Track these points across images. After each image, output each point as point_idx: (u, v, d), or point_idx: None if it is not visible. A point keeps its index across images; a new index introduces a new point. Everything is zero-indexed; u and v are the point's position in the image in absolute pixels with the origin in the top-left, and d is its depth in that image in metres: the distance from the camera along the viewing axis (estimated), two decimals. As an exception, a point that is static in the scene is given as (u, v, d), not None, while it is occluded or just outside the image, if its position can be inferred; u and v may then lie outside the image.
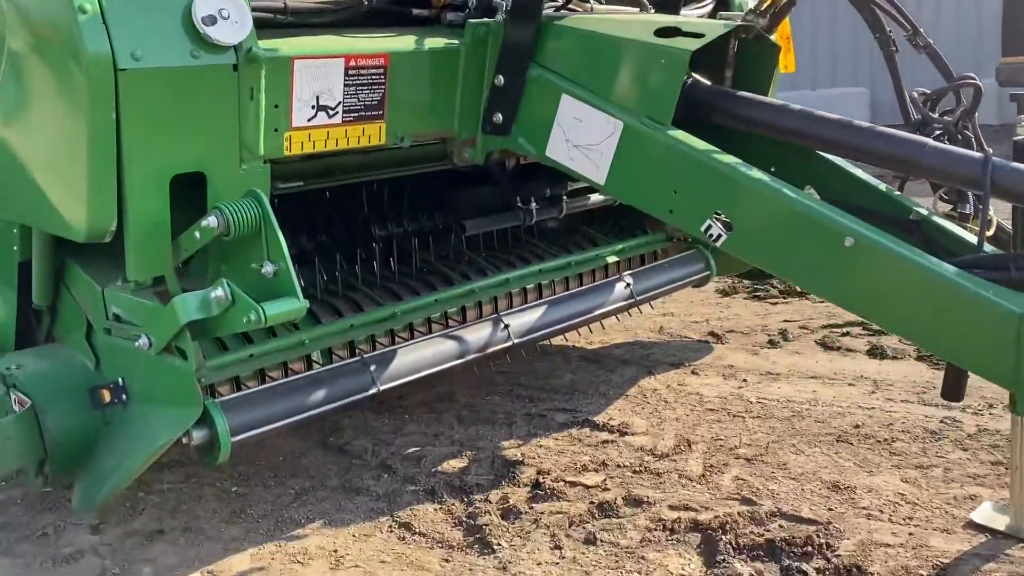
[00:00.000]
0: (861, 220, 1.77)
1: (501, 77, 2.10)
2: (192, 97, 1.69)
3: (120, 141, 1.63)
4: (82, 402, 1.95)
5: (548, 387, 3.05)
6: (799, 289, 4.13)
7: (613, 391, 3.00)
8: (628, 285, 2.95)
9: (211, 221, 1.67)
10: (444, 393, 3.00)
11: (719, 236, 1.85)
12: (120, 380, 1.94)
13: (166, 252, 1.78)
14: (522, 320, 2.63)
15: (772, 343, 3.47)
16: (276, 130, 1.83)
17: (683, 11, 2.54)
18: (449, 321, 2.52)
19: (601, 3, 2.34)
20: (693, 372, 3.17)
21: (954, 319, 1.65)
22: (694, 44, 1.85)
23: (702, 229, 1.87)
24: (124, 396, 1.93)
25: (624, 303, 2.94)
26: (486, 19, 2.09)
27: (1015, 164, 1.68)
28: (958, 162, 1.73)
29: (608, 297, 2.89)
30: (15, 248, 2.11)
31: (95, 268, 2.02)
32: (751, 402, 2.88)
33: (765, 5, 1.99)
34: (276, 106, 1.81)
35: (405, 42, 1.99)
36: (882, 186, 2.00)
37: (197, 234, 1.73)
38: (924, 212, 1.92)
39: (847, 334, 3.52)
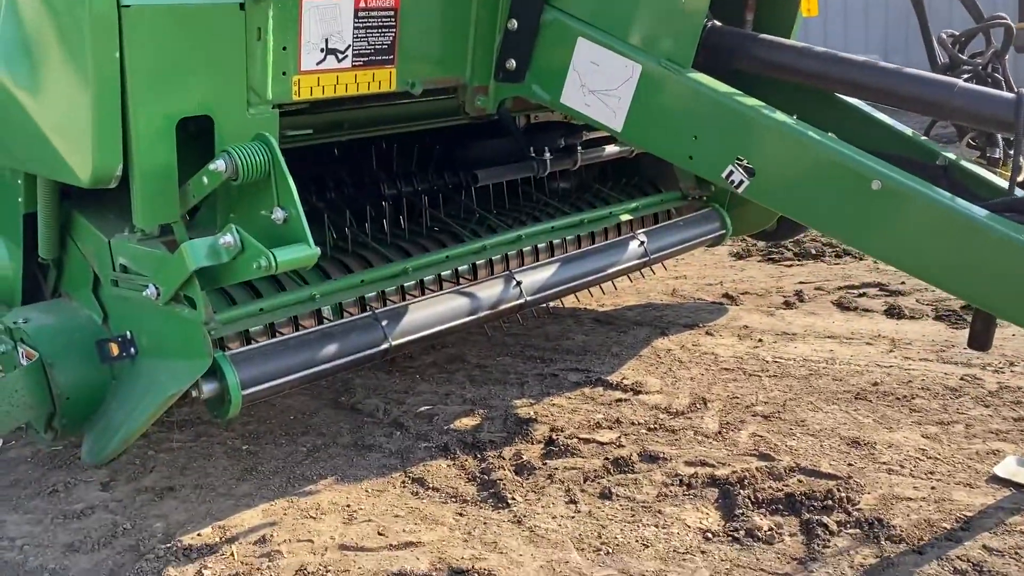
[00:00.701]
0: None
1: (515, 21, 2.04)
2: (198, 36, 1.64)
3: (124, 82, 1.58)
4: (90, 355, 1.92)
5: (560, 348, 3.01)
6: (813, 252, 4.09)
7: (626, 352, 2.96)
8: (642, 243, 2.90)
9: (219, 165, 1.62)
10: (455, 354, 2.96)
11: (741, 182, 1.79)
12: (128, 333, 1.90)
13: (173, 199, 1.73)
14: (535, 278, 2.58)
15: (788, 304, 3.42)
16: (284, 73, 1.77)
17: None
18: (460, 279, 2.48)
19: None
20: (707, 333, 3.13)
21: (985, 263, 1.60)
22: (717, -18, 1.80)
23: (723, 175, 1.82)
24: (132, 349, 1.90)
25: (638, 261, 2.89)
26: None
27: (1049, 103, 1.62)
28: (989, 103, 1.68)
29: (622, 255, 2.84)
30: (20, 199, 2.06)
31: (101, 219, 1.98)
32: (767, 361, 2.83)
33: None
34: (284, 48, 1.75)
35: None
36: (908, 131, 1.94)
37: (205, 179, 1.68)
38: (952, 157, 1.87)
39: (864, 295, 3.48)
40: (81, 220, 2.04)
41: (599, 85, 1.96)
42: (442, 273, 2.43)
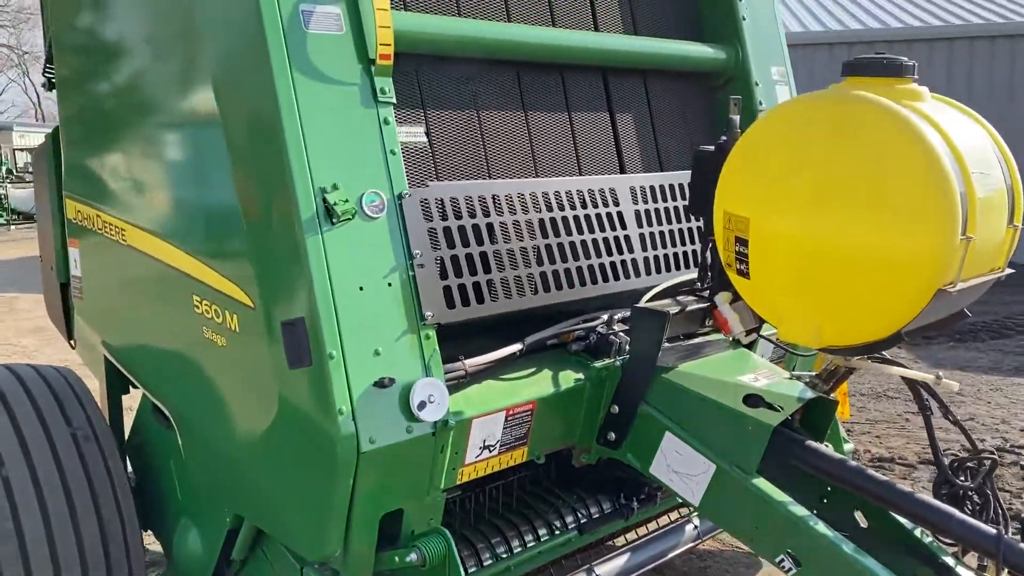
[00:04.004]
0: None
1: (616, 407, 2.67)
2: (404, 459, 2.27)
3: (353, 495, 2.20)
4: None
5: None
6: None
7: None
8: (696, 527, 3.47)
9: (412, 557, 2.24)
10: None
11: (790, 569, 2.38)
12: None
13: (368, 567, 2.34)
14: (610, 567, 3.15)
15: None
16: (454, 468, 2.40)
17: None
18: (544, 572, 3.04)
19: None
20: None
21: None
22: (776, 419, 2.41)
23: (776, 560, 2.40)
24: None
25: (692, 543, 3.46)
26: (607, 362, 2.67)
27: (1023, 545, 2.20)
28: (977, 535, 2.26)
29: (681, 538, 3.42)
30: (227, 520, 2.68)
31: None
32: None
33: (826, 374, 2.56)
34: (456, 452, 2.38)
35: (546, 386, 2.56)
36: (917, 531, 2.52)
37: (396, 558, 2.29)
38: (951, 563, 2.44)
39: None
40: (277, 544, 2.64)
41: (681, 468, 2.57)
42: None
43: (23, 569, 2.68)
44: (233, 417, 2.45)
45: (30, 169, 33.52)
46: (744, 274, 2.31)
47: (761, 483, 2.44)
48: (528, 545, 2.85)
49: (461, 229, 2.47)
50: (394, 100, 2.35)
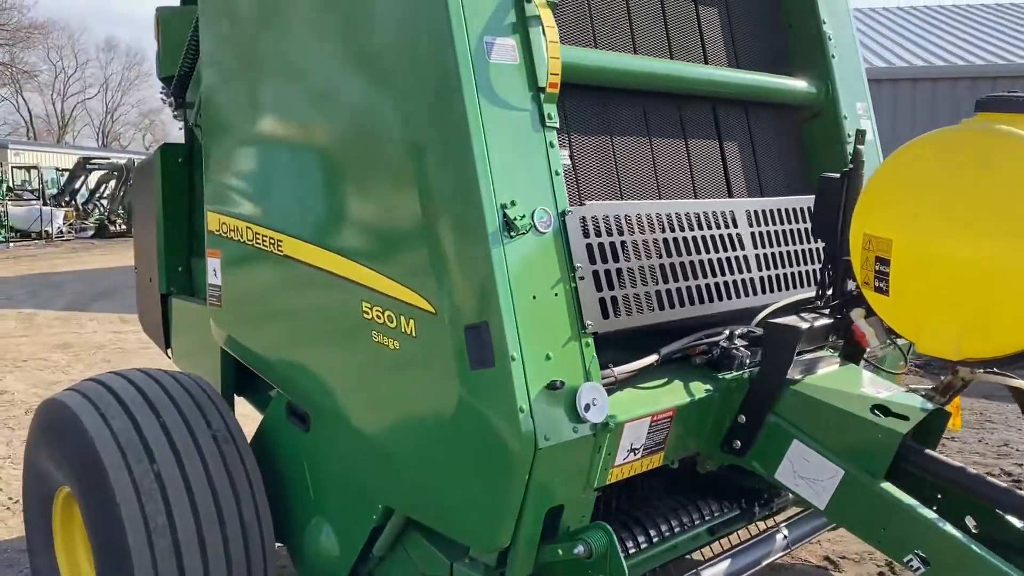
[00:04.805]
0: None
1: (743, 416, 2.84)
2: (569, 458, 2.43)
3: (527, 490, 2.36)
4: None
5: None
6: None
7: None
8: (785, 537, 3.63)
9: (580, 550, 2.39)
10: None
11: (918, 568, 2.54)
12: None
13: (531, 560, 2.49)
14: (715, 571, 3.30)
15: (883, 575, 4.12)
16: (606, 469, 2.55)
17: None
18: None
19: None
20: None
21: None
22: (905, 427, 2.59)
23: (904, 560, 2.57)
24: None
25: (782, 553, 3.61)
26: (736, 374, 2.85)
27: None
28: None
29: (773, 547, 3.57)
30: (374, 517, 2.82)
31: (443, 544, 2.72)
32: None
33: (943, 386, 2.74)
34: (609, 454, 2.54)
35: (682, 395, 2.73)
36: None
37: (560, 551, 2.44)
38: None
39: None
40: (420, 540, 2.78)
41: (808, 474, 2.74)
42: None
43: (176, 567, 2.80)
44: (402, 415, 2.60)
45: (28, 187, 33.45)
46: (883, 291, 2.50)
47: (889, 487, 2.62)
48: (665, 535, 2.99)
49: (612, 245, 2.65)
50: (557, 125, 2.54)
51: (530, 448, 2.30)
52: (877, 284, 2.52)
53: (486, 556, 2.61)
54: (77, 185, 33.46)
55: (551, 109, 2.52)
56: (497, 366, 2.31)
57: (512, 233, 2.36)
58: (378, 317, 2.57)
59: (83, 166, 33.14)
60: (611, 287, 2.62)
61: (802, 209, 3.34)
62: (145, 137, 72.54)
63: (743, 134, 3.50)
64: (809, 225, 3.30)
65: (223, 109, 3.21)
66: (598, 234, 2.64)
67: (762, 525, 3.66)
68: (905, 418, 2.63)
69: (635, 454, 2.64)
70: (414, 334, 2.47)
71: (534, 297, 2.39)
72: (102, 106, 69.09)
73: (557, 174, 2.51)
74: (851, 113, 3.70)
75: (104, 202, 33.37)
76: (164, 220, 4.00)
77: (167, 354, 4.27)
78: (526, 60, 2.50)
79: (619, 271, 2.66)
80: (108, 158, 36.58)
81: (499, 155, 2.38)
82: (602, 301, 2.57)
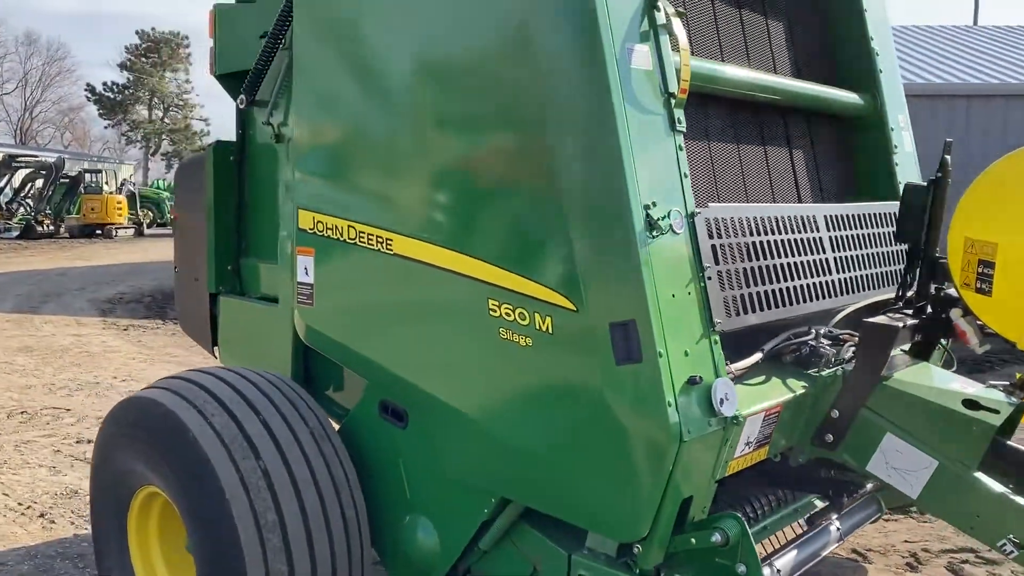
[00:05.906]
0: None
1: (836, 411, 2.98)
2: (703, 450, 2.51)
3: (668, 480, 2.43)
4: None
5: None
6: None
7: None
8: (838, 529, 3.79)
9: (716, 538, 2.48)
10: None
11: (1012, 552, 2.72)
12: None
13: (663, 549, 2.57)
14: (785, 560, 3.43)
15: (910, 566, 4.33)
16: (727, 461, 2.65)
17: None
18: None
19: None
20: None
21: None
22: (997, 420, 2.77)
23: (998, 544, 2.74)
24: None
25: (836, 544, 3.77)
26: (830, 371, 2.98)
27: None
28: None
29: (829, 538, 3.72)
30: (485, 511, 2.85)
31: (559, 535, 2.78)
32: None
33: (1021, 382, 2.93)
34: (731, 447, 2.64)
35: (785, 391, 2.85)
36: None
37: (694, 539, 2.53)
38: None
39: (966, 561, 4.41)
40: (531, 532, 2.83)
41: (901, 465, 2.89)
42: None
43: (286, 565, 2.78)
44: (533, 409, 2.64)
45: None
46: (985, 292, 2.67)
47: (982, 476, 2.79)
48: (772, 507, 3.13)
49: (731, 247, 2.76)
50: (685, 129, 2.63)
51: (676, 441, 2.39)
52: (979, 286, 2.69)
53: (606, 546, 2.68)
54: (1, 184, 32.06)
55: (680, 113, 2.62)
56: (644, 361, 2.38)
57: (654, 233, 2.44)
58: (507, 315, 2.61)
59: (8, 164, 31.77)
60: (731, 287, 2.72)
61: (873, 214, 3.51)
62: (64, 135, 69.93)
63: (806, 142, 3.66)
64: (878, 230, 3.47)
65: (310, 112, 3.20)
66: (720, 236, 2.74)
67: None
68: (995, 411, 2.81)
69: (749, 447, 2.74)
70: (550, 331, 2.52)
71: (673, 295, 2.47)
72: (20, 102, 66.35)
73: (686, 176, 2.60)
74: (896, 125, 3.91)
75: (30, 201, 32.08)
76: (216, 219, 3.94)
77: (213, 353, 4.20)
78: (658, 66, 2.59)
79: (738, 271, 2.77)
80: (36, 156, 35.15)
81: (641, 158, 2.46)
82: (726, 300, 2.67)
